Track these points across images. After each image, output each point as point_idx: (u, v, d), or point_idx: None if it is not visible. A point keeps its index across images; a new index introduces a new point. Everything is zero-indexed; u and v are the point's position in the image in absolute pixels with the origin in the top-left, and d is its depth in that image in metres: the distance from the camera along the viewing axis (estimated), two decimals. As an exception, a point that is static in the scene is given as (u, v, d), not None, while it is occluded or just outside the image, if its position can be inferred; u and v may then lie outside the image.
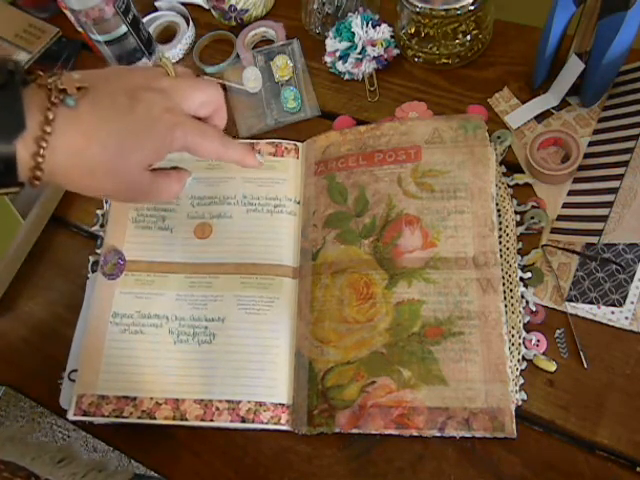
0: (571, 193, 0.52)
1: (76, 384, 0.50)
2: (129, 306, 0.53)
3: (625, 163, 0.50)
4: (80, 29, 0.69)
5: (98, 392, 0.49)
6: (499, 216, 0.52)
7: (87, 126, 0.39)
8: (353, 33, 0.61)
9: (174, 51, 0.69)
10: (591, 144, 0.54)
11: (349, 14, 0.62)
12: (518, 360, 0.47)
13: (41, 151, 0.37)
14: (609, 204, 0.49)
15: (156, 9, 0.73)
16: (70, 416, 0.49)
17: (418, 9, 0.56)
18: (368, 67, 0.62)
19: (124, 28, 0.56)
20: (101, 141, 0.39)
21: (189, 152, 0.44)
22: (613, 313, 0.47)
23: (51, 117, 0.37)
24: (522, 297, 0.49)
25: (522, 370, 0.47)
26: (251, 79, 0.64)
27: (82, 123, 0.39)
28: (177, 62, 0.70)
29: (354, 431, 0.46)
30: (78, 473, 0.69)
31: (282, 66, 0.64)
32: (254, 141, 0.59)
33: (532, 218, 0.51)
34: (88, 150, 0.39)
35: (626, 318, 0.46)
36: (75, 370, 0.51)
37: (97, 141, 0.39)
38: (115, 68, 0.45)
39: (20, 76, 0.38)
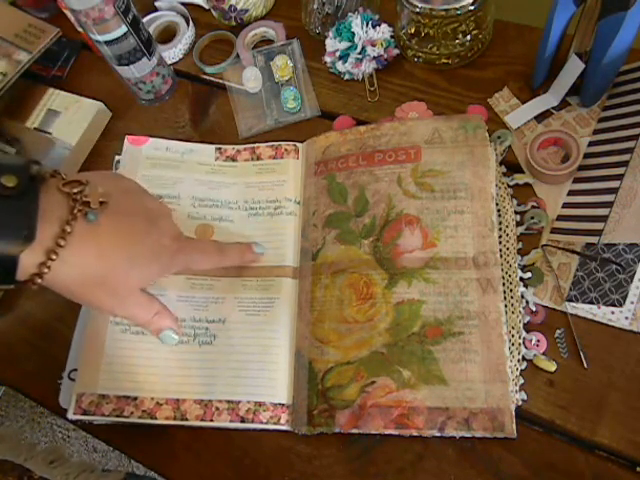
0: (571, 193, 0.52)
1: (76, 383, 0.50)
2: (129, 306, 0.53)
3: (625, 163, 0.50)
4: (80, 29, 0.69)
5: (98, 391, 0.49)
6: (499, 216, 0.52)
7: (103, 244, 0.39)
8: (353, 33, 0.61)
9: (174, 51, 0.69)
10: (591, 144, 0.54)
11: (349, 14, 0.62)
12: (518, 360, 0.47)
13: (49, 262, 0.36)
14: (609, 204, 0.49)
15: (156, 9, 0.73)
16: (70, 415, 0.49)
17: (418, 9, 0.56)
18: (368, 67, 0.62)
19: (124, 28, 0.56)
20: (112, 262, 0.39)
21: (190, 269, 0.48)
22: (613, 313, 0.47)
23: (69, 230, 0.37)
24: (522, 297, 0.49)
25: (522, 370, 0.47)
26: (251, 79, 0.64)
27: (99, 240, 0.39)
28: (177, 62, 0.70)
29: (354, 431, 0.46)
30: (71, 473, 0.69)
31: (282, 66, 0.64)
32: (254, 145, 0.59)
33: (532, 218, 0.51)
34: (97, 266, 0.39)
35: (626, 318, 0.46)
36: (75, 369, 0.51)
37: (109, 260, 0.39)
38: (132, 183, 0.45)
39: (40, 180, 0.37)
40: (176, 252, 0.45)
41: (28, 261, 0.36)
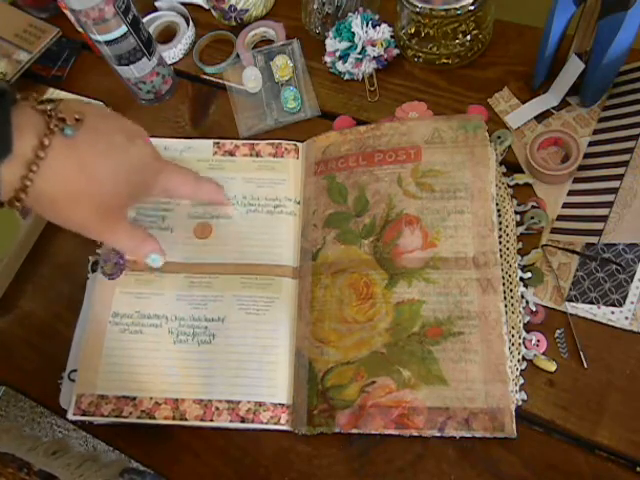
0: (571, 193, 0.52)
1: (76, 384, 0.50)
2: (129, 306, 0.53)
3: (625, 163, 0.50)
4: (80, 29, 0.69)
5: (97, 392, 0.49)
6: (499, 216, 0.52)
7: (83, 158, 0.40)
8: (353, 33, 0.61)
9: (174, 51, 0.69)
10: (591, 144, 0.53)
11: (349, 14, 0.62)
12: (518, 360, 0.47)
13: (30, 174, 0.37)
14: (609, 204, 0.49)
15: (156, 9, 0.73)
16: (70, 416, 0.49)
17: (418, 9, 0.56)
18: (368, 67, 0.62)
19: (124, 28, 0.56)
20: (95, 174, 0.40)
21: (168, 193, 0.48)
22: (613, 313, 0.47)
23: (47, 143, 0.37)
24: (522, 297, 0.49)
25: (522, 370, 0.47)
26: (251, 79, 0.64)
27: (78, 154, 0.39)
28: (177, 62, 0.70)
29: (354, 431, 0.46)
30: (72, 463, 0.69)
31: (282, 66, 0.64)
32: (254, 142, 0.59)
33: (532, 218, 0.51)
34: (79, 181, 0.40)
35: (626, 318, 0.46)
36: (75, 370, 0.51)
37: (91, 173, 0.40)
38: (110, 111, 0.46)
39: (11, 97, 0.38)
40: (158, 171, 0.45)
41: (9, 175, 0.37)
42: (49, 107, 0.39)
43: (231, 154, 0.59)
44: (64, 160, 0.39)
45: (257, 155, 0.58)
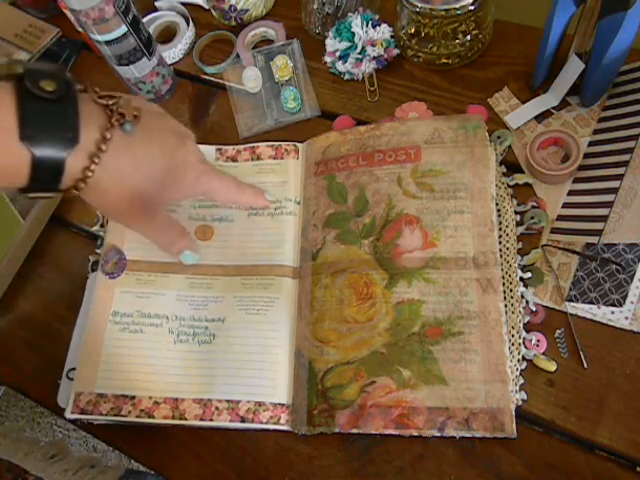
0: (571, 193, 0.52)
1: (74, 382, 0.50)
2: (129, 305, 0.53)
3: (625, 163, 0.50)
4: (80, 29, 0.69)
5: (96, 390, 0.49)
6: (499, 216, 0.52)
7: (138, 154, 0.42)
8: (353, 33, 0.61)
9: (174, 51, 0.69)
10: (591, 144, 0.54)
11: (349, 14, 0.62)
12: (518, 360, 0.47)
13: (92, 166, 0.39)
14: (609, 204, 0.49)
15: (156, 9, 0.73)
16: (68, 414, 0.49)
17: (418, 9, 0.56)
18: (368, 67, 0.62)
19: (124, 28, 0.56)
20: (146, 171, 0.42)
21: (208, 195, 0.50)
22: (613, 313, 0.47)
23: (109, 137, 0.39)
24: (522, 297, 0.49)
25: (522, 370, 0.47)
26: (251, 79, 0.64)
27: (134, 150, 0.41)
28: (177, 62, 0.70)
29: (354, 431, 0.46)
30: (70, 469, 0.69)
31: (282, 66, 0.64)
32: (254, 145, 0.59)
33: (532, 218, 0.51)
34: (133, 176, 0.42)
35: (626, 318, 0.46)
36: (73, 369, 0.51)
37: (143, 170, 0.42)
38: (157, 106, 0.48)
39: (76, 88, 0.39)
40: (201, 173, 0.47)
41: (73, 165, 0.38)
42: (111, 102, 0.41)
43: (233, 160, 0.59)
44: (122, 155, 0.40)
45: (258, 158, 0.58)
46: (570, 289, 0.48)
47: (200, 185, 0.48)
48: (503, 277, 0.49)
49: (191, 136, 0.48)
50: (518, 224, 0.52)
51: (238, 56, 0.68)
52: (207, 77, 0.68)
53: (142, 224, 0.47)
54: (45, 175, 0.38)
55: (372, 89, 0.62)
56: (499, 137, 0.56)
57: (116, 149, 0.40)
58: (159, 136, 0.44)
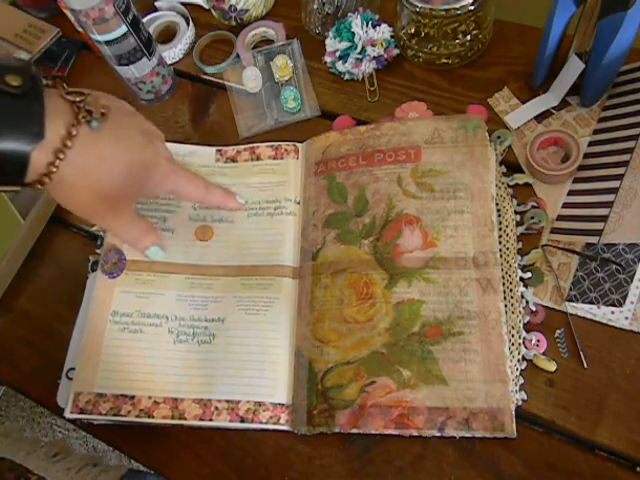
0: (571, 193, 0.52)
1: (74, 382, 0.50)
2: (129, 305, 0.53)
3: (625, 163, 0.50)
4: (80, 29, 0.69)
5: (95, 390, 0.49)
6: (499, 216, 0.52)
7: (104, 151, 0.42)
8: (353, 33, 0.61)
9: (174, 51, 0.69)
10: (591, 144, 0.54)
11: (349, 14, 0.62)
12: (518, 360, 0.47)
13: (57, 162, 0.39)
14: (609, 204, 0.49)
15: (156, 9, 0.73)
16: (67, 414, 0.49)
17: (418, 9, 0.56)
18: (368, 67, 0.62)
19: (124, 28, 0.56)
20: (112, 168, 0.42)
21: (175, 194, 0.50)
22: (613, 313, 0.47)
23: (74, 133, 0.39)
24: (522, 297, 0.49)
25: (522, 370, 0.47)
26: (251, 79, 0.64)
27: (100, 147, 0.41)
28: (177, 62, 0.70)
29: (354, 431, 0.46)
30: (72, 468, 0.69)
31: (282, 66, 0.64)
32: (254, 145, 0.59)
33: (532, 218, 0.51)
34: (98, 173, 0.42)
35: (626, 318, 0.46)
36: (73, 368, 0.51)
37: (108, 166, 0.42)
38: (128, 105, 0.48)
39: (42, 83, 0.39)
40: (169, 172, 0.47)
41: (38, 160, 0.38)
42: (78, 99, 0.41)
43: (233, 160, 0.59)
44: (87, 151, 0.41)
45: (257, 158, 0.58)
46: (570, 289, 0.48)
47: (168, 184, 0.48)
48: (503, 277, 0.49)
49: (160, 136, 0.48)
50: (518, 224, 0.52)
51: (238, 56, 0.68)
52: (207, 77, 0.68)
53: (108, 220, 0.47)
54: (9, 168, 0.38)
55: (372, 89, 0.62)
56: (499, 137, 0.56)
57: (82, 145, 0.40)
58: (127, 134, 0.44)
